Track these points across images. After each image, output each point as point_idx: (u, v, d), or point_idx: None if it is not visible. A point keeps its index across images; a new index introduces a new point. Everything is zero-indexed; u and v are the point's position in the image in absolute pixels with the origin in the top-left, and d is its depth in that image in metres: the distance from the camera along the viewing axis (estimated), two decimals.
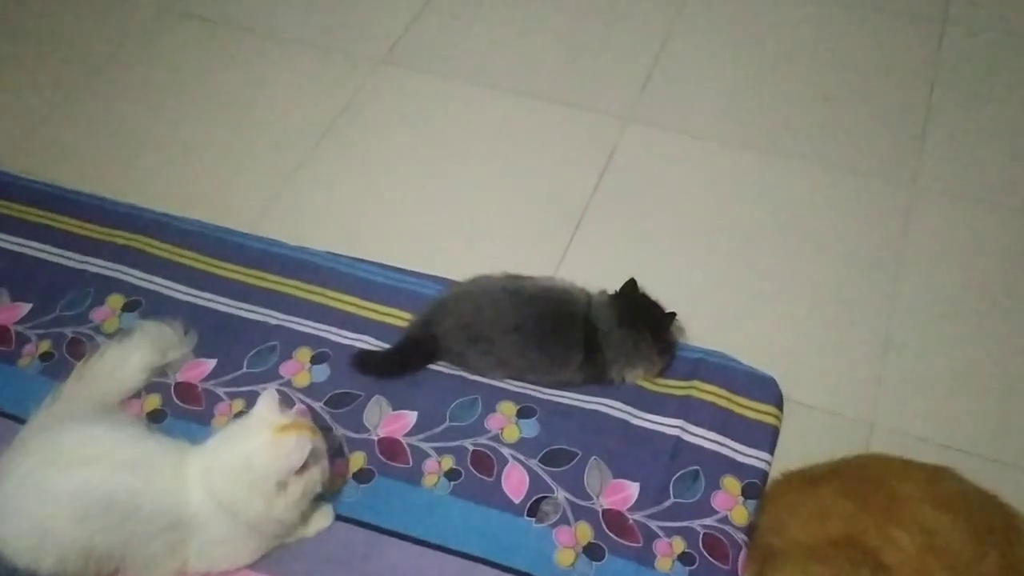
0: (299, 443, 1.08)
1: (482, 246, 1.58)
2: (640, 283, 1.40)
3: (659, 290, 1.41)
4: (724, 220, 1.63)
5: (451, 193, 1.67)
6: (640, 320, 1.35)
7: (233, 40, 1.93)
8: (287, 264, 1.52)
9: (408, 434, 1.32)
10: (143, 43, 1.92)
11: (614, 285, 1.40)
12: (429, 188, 1.68)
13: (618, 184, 1.68)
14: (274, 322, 1.44)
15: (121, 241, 1.54)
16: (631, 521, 1.24)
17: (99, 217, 1.58)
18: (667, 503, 1.26)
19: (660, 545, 1.22)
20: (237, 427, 1.13)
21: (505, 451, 1.30)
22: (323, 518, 1.22)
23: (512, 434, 1.32)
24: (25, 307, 1.45)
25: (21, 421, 1.25)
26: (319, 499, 1.21)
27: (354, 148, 1.74)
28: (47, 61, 1.88)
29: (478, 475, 1.28)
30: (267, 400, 1.12)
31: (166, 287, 1.48)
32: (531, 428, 1.33)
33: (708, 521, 1.24)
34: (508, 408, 1.35)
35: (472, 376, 1.38)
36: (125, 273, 1.50)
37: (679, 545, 1.22)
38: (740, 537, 1.23)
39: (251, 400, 1.24)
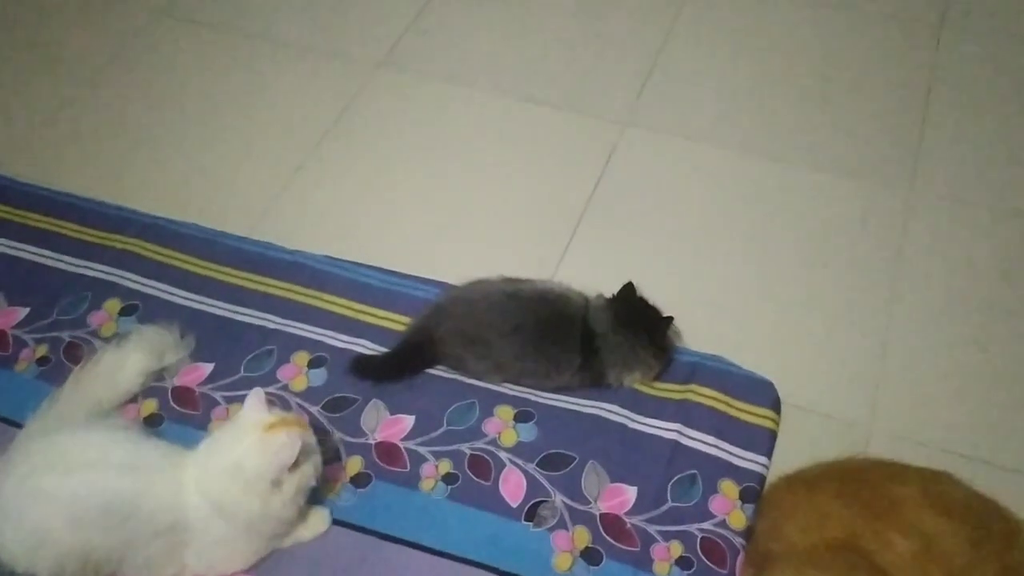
0: (289, 440, 1.08)
1: (480, 249, 1.58)
2: (638, 286, 1.40)
3: (656, 293, 1.41)
4: (721, 224, 1.63)
5: (449, 196, 1.67)
6: (637, 324, 1.36)
7: (230, 44, 1.93)
8: (285, 268, 1.52)
9: (405, 438, 1.32)
10: (141, 48, 1.92)
11: (612, 288, 1.40)
12: (427, 191, 1.68)
13: (616, 188, 1.68)
14: (271, 326, 1.44)
15: (118, 245, 1.54)
16: (629, 525, 1.24)
17: (97, 221, 1.58)
18: (665, 507, 1.26)
19: (658, 549, 1.22)
20: (227, 430, 1.13)
21: (503, 455, 1.30)
22: (320, 522, 1.22)
23: (510, 438, 1.32)
24: (22, 311, 1.45)
25: (18, 426, 1.25)
26: (316, 503, 1.21)
27: (352, 152, 1.74)
28: (45, 65, 1.88)
29: (476, 479, 1.28)
30: (254, 400, 1.12)
31: (163, 291, 1.48)
32: (529, 432, 1.33)
33: (706, 525, 1.24)
34: (506, 412, 1.35)
35: (470, 380, 1.38)
36: (122, 277, 1.50)
37: (677, 549, 1.22)
38: (738, 541, 1.23)
39: None
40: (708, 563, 1.21)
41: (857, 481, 1.19)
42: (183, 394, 1.36)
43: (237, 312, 1.46)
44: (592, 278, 1.44)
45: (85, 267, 1.51)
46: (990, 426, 1.37)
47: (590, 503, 1.26)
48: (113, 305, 1.46)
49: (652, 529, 1.24)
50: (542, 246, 1.59)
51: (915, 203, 1.66)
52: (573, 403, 1.36)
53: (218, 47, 1.92)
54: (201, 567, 1.16)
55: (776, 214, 1.65)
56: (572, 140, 1.76)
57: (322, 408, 1.35)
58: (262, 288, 1.49)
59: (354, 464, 1.29)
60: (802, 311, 1.51)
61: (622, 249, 1.59)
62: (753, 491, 1.27)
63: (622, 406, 1.36)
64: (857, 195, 1.67)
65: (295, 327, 1.44)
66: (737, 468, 1.30)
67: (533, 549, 1.22)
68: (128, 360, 1.34)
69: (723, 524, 1.24)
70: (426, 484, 1.28)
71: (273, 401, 1.32)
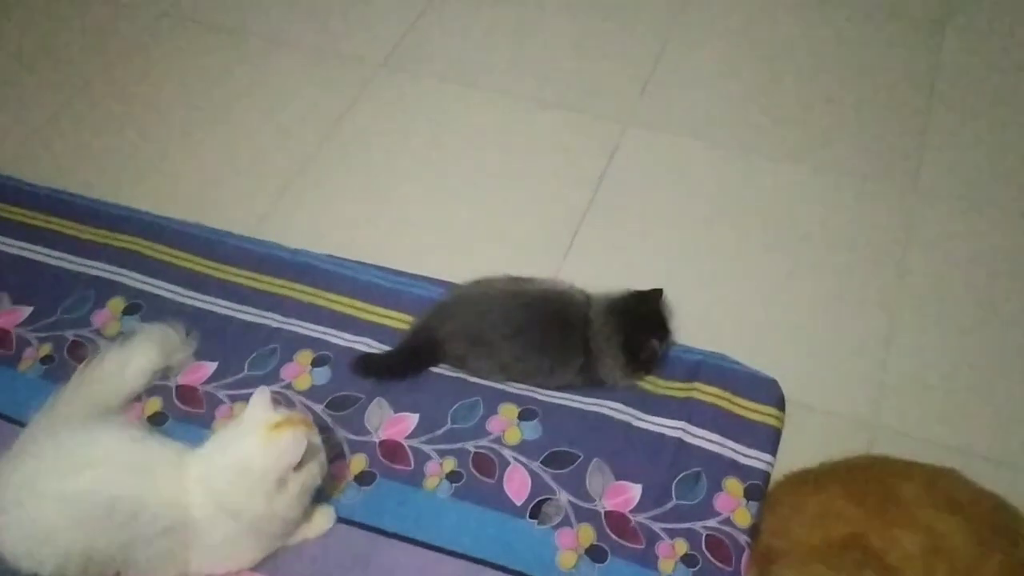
0: (294, 439, 1.08)
1: (483, 249, 1.58)
2: (642, 286, 1.39)
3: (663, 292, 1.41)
4: (725, 223, 1.63)
5: (452, 196, 1.67)
6: (624, 315, 1.35)
7: (233, 45, 1.93)
8: (288, 267, 1.52)
9: (409, 436, 1.32)
10: (143, 48, 1.92)
11: (615, 287, 1.40)
12: (430, 191, 1.68)
13: (618, 187, 1.68)
14: (275, 325, 1.44)
15: (122, 244, 1.54)
16: (633, 523, 1.24)
17: (100, 221, 1.58)
18: (669, 505, 1.26)
19: (662, 547, 1.22)
20: (231, 429, 1.13)
21: (507, 453, 1.30)
22: (324, 520, 1.22)
23: (514, 436, 1.32)
24: (26, 310, 1.45)
25: (21, 425, 1.24)
26: (320, 500, 1.21)
27: (355, 152, 1.74)
28: (48, 65, 1.88)
29: (480, 477, 1.28)
30: (259, 399, 1.12)
31: (167, 290, 1.48)
32: (533, 430, 1.33)
33: (710, 523, 1.24)
34: (510, 410, 1.35)
35: (473, 378, 1.38)
36: (126, 276, 1.50)
37: (681, 547, 1.22)
38: (743, 539, 1.22)
39: None
40: (713, 561, 1.21)
41: (863, 478, 1.19)
42: (187, 393, 1.36)
43: (240, 311, 1.46)
44: (595, 277, 1.44)
45: (88, 266, 1.51)
46: (995, 424, 1.37)
47: (594, 501, 1.26)
48: (116, 304, 1.46)
49: (657, 527, 1.24)
50: (545, 245, 1.59)
51: (919, 201, 1.66)
52: (577, 401, 1.36)
53: (221, 48, 1.92)
54: (206, 566, 1.15)
55: (779, 213, 1.64)
56: (575, 139, 1.76)
57: (326, 407, 1.35)
58: (265, 287, 1.49)
59: (358, 462, 1.29)
60: (806, 309, 1.51)
61: (625, 248, 1.59)
62: (758, 489, 1.27)
63: (626, 404, 1.35)
64: (861, 194, 1.67)
65: (298, 326, 1.44)
66: (741, 466, 1.29)
67: (538, 547, 1.21)
68: (132, 359, 1.34)
69: (728, 522, 1.24)
70: (430, 482, 1.27)
71: (277, 400, 1.31)
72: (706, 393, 1.37)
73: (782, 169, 1.71)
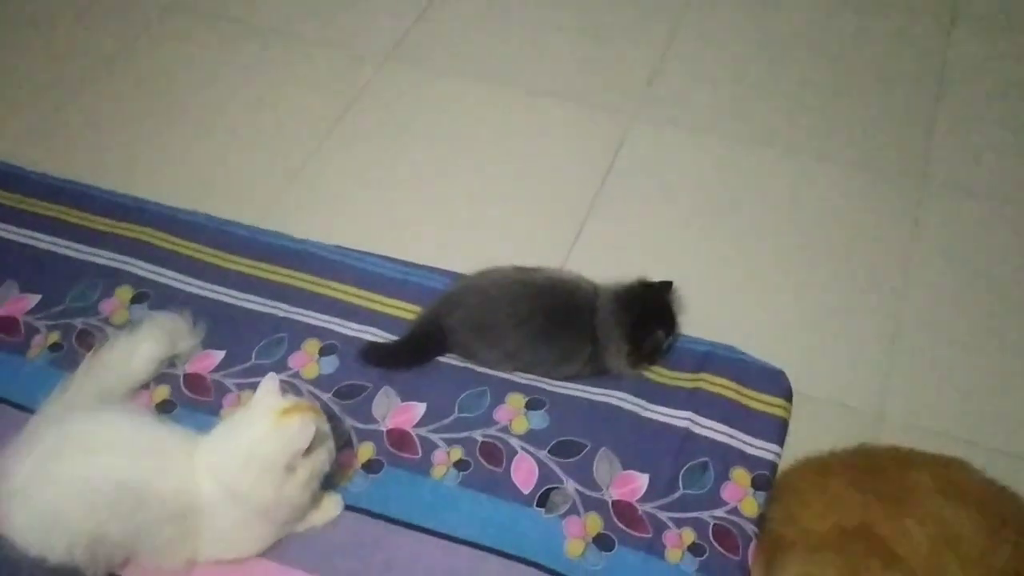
0: (303, 425, 1.08)
1: (490, 240, 1.58)
2: (652, 277, 1.39)
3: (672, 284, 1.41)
4: (732, 215, 1.63)
5: (459, 187, 1.67)
6: (630, 305, 1.35)
7: (240, 36, 1.93)
8: (295, 257, 1.52)
9: (417, 425, 1.32)
10: (151, 39, 1.93)
11: (621, 277, 1.40)
12: (437, 182, 1.68)
13: (625, 178, 1.68)
14: (282, 314, 1.44)
15: (129, 234, 1.54)
16: (640, 512, 1.24)
17: (108, 210, 1.58)
18: (676, 494, 1.26)
19: (670, 536, 1.22)
20: (240, 415, 1.13)
21: (514, 442, 1.30)
22: (332, 507, 1.22)
23: (521, 425, 1.32)
24: (34, 298, 1.45)
25: (30, 412, 1.25)
26: (328, 488, 1.21)
27: (361, 143, 1.74)
28: (56, 56, 1.89)
29: (487, 466, 1.28)
30: (268, 385, 1.12)
31: (174, 279, 1.48)
32: (540, 420, 1.33)
33: (718, 512, 1.24)
34: (517, 400, 1.35)
35: (481, 368, 1.38)
36: (133, 265, 1.50)
37: (689, 536, 1.22)
38: (750, 528, 1.22)
39: None
40: (720, 550, 1.21)
41: (871, 468, 1.19)
42: (195, 381, 1.36)
43: (248, 300, 1.46)
44: (601, 268, 1.44)
45: (96, 255, 1.51)
46: (1003, 415, 1.37)
47: (602, 490, 1.26)
48: (124, 293, 1.46)
49: (664, 516, 1.24)
50: (552, 237, 1.59)
51: (926, 194, 1.66)
52: (584, 391, 1.36)
53: (227, 39, 1.92)
54: (214, 552, 1.15)
55: (787, 205, 1.64)
56: (581, 132, 1.76)
57: (333, 395, 1.35)
58: (272, 277, 1.50)
59: (366, 450, 1.29)
60: (813, 301, 1.51)
61: (632, 239, 1.59)
62: (765, 479, 1.27)
63: (634, 394, 1.35)
64: (868, 187, 1.67)
65: (306, 315, 1.44)
66: (749, 456, 1.29)
67: (545, 535, 1.21)
68: (140, 347, 1.34)
69: (735, 511, 1.24)
70: (438, 471, 1.27)
71: (285, 388, 1.31)
72: (714, 384, 1.37)
73: (789, 162, 1.71)
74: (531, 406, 1.34)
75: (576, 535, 1.22)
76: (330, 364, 1.39)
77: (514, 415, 1.33)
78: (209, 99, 1.81)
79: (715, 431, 1.32)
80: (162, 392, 1.35)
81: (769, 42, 1.93)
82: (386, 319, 1.44)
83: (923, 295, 1.51)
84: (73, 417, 1.17)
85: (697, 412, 1.33)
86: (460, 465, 1.28)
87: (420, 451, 1.29)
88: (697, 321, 1.44)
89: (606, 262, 1.51)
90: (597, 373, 1.37)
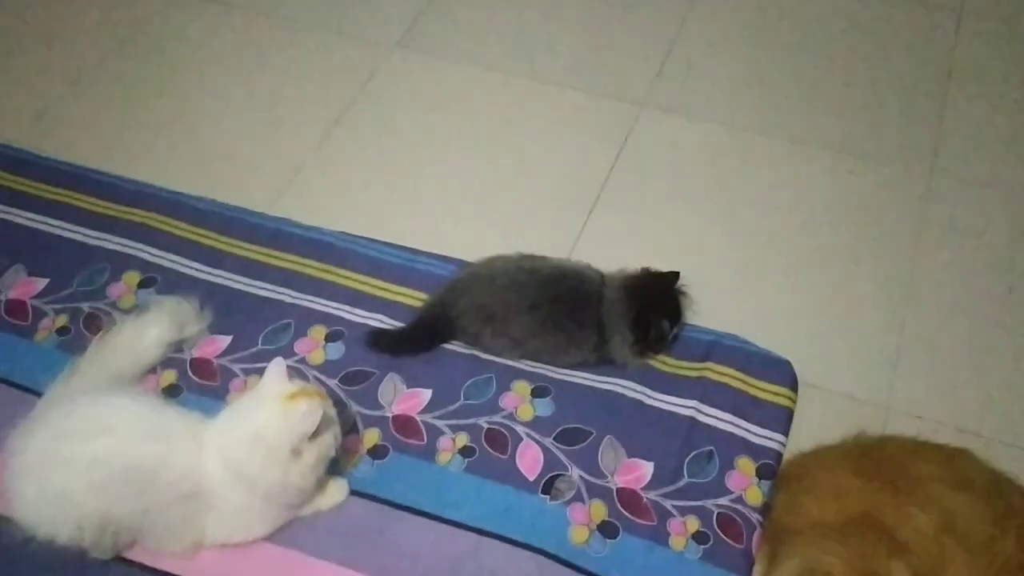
0: (309, 409, 1.08)
1: (496, 228, 1.58)
2: (656, 266, 1.39)
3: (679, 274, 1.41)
4: (739, 204, 1.63)
5: (466, 175, 1.67)
6: (636, 294, 1.35)
7: (249, 23, 1.93)
8: (302, 244, 1.52)
9: (422, 412, 1.32)
10: (160, 25, 1.92)
11: (627, 267, 1.40)
12: (444, 170, 1.68)
13: (633, 167, 1.68)
14: (289, 300, 1.45)
15: (137, 219, 1.55)
16: (645, 500, 1.24)
17: (116, 195, 1.58)
18: (681, 483, 1.26)
19: (674, 524, 1.22)
20: (247, 399, 1.13)
21: (520, 429, 1.30)
22: (338, 492, 1.22)
23: (526, 413, 1.32)
24: (42, 282, 1.46)
25: (37, 395, 1.25)
26: (334, 473, 1.21)
27: (369, 130, 1.74)
28: (64, 41, 1.89)
29: (492, 453, 1.28)
30: (275, 369, 1.12)
31: (182, 264, 1.49)
32: (545, 407, 1.33)
33: (722, 501, 1.24)
34: (523, 387, 1.35)
35: (486, 355, 1.38)
36: (141, 250, 1.50)
37: (693, 524, 1.22)
38: (754, 517, 1.23)
39: None
40: (724, 538, 1.21)
41: (876, 457, 1.19)
42: (202, 365, 1.37)
43: (255, 286, 1.47)
44: (608, 257, 1.44)
45: (104, 239, 1.51)
46: (1009, 406, 1.36)
47: (607, 477, 1.26)
48: (132, 277, 1.47)
49: (668, 504, 1.24)
50: (559, 225, 1.59)
51: (935, 184, 1.65)
52: (590, 379, 1.36)
53: (237, 26, 1.92)
54: (220, 535, 1.16)
55: (795, 195, 1.64)
56: (590, 121, 1.76)
57: (339, 381, 1.35)
58: (279, 263, 1.50)
59: (371, 436, 1.30)
60: (820, 290, 1.51)
61: (639, 228, 1.59)
62: (770, 468, 1.27)
63: (639, 383, 1.36)
64: (877, 177, 1.67)
65: (312, 301, 1.45)
66: (754, 445, 1.29)
67: (550, 522, 1.22)
68: (148, 331, 1.35)
69: (740, 500, 1.24)
70: (443, 457, 1.28)
71: (292, 374, 1.32)
72: (719, 373, 1.37)
73: (798, 152, 1.71)
74: (537, 393, 1.34)
75: (580, 522, 1.22)
76: (336, 350, 1.39)
77: (520, 402, 1.33)
78: (218, 85, 1.81)
79: (720, 420, 1.32)
80: (169, 376, 1.35)
81: (778, 33, 1.92)
82: (393, 306, 1.44)
83: (930, 285, 1.51)
84: (81, 400, 1.18)
85: (702, 401, 1.34)
86: (465, 451, 1.28)
87: (425, 437, 1.30)
88: (703, 311, 1.44)
89: (613, 251, 1.50)
90: (603, 361, 1.37)
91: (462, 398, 1.34)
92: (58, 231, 1.53)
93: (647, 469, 1.27)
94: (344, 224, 1.56)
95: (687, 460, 1.28)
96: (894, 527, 1.08)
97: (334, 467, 1.20)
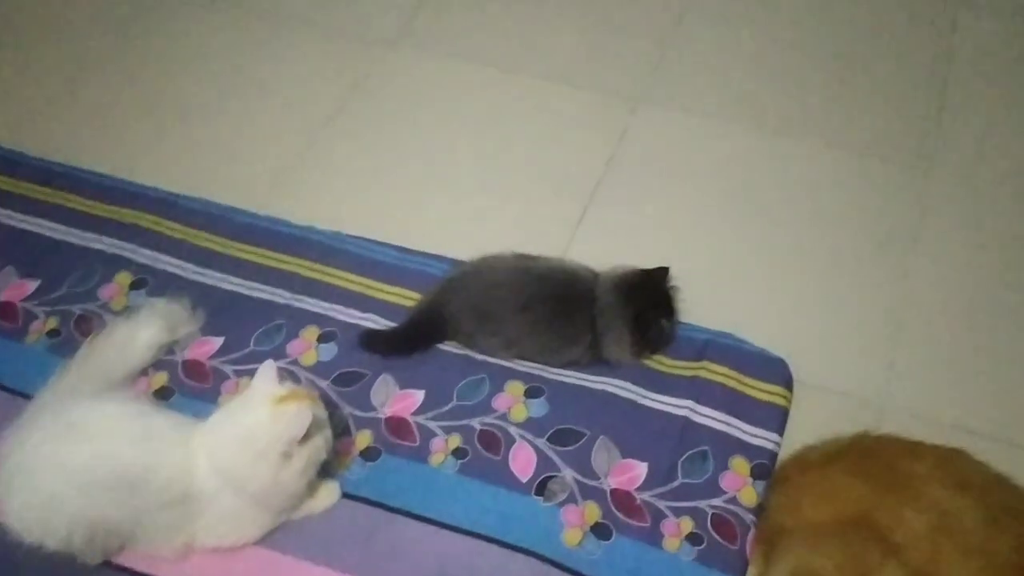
0: (299, 412, 1.08)
1: (491, 226, 1.57)
2: (654, 264, 1.38)
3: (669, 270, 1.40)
4: (735, 201, 1.62)
5: (460, 173, 1.66)
6: (631, 294, 1.34)
7: (241, 21, 1.92)
8: (294, 243, 1.51)
9: (415, 413, 1.32)
10: (152, 24, 1.91)
11: (622, 264, 1.39)
12: (438, 168, 1.67)
13: (629, 164, 1.67)
14: (281, 301, 1.44)
15: (128, 219, 1.54)
16: (639, 501, 1.23)
17: (107, 196, 1.57)
18: (675, 483, 1.25)
19: (668, 525, 1.21)
20: (238, 401, 1.13)
21: (513, 430, 1.30)
22: (330, 495, 1.22)
23: (520, 413, 1.31)
24: (32, 284, 1.45)
25: (28, 397, 1.24)
26: (326, 476, 1.21)
27: (363, 128, 1.73)
28: (54, 41, 1.87)
29: (485, 454, 1.27)
30: (265, 372, 1.12)
31: (173, 265, 1.48)
32: (539, 408, 1.32)
33: (716, 501, 1.23)
34: (516, 388, 1.34)
35: (480, 356, 1.37)
36: (133, 251, 1.49)
37: (687, 525, 1.21)
38: (749, 517, 1.22)
39: None
40: (719, 539, 1.20)
41: (871, 457, 1.18)
42: (193, 367, 1.36)
43: (247, 287, 1.46)
44: (604, 255, 1.43)
45: (95, 240, 1.51)
46: (1004, 404, 1.36)
47: (600, 478, 1.25)
48: (123, 278, 1.46)
49: (662, 505, 1.23)
50: (555, 222, 1.58)
51: (931, 180, 1.64)
52: (583, 379, 1.36)
53: (228, 24, 1.91)
54: (211, 539, 1.15)
55: (790, 192, 1.63)
56: (585, 117, 1.75)
57: (332, 383, 1.35)
58: (272, 263, 1.49)
59: (364, 438, 1.29)
60: (816, 289, 1.50)
61: (634, 226, 1.58)
62: (764, 468, 1.26)
63: (633, 382, 1.35)
64: (873, 173, 1.66)
65: (305, 302, 1.44)
66: (748, 445, 1.29)
67: (543, 524, 1.21)
68: (139, 333, 1.34)
69: (734, 500, 1.23)
70: (436, 458, 1.27)
71: (284, 376, 1.31)
72: (714, 372, 1.36)
73: (794, 148, 1.70)
74: (530, 394, 1.34)
75: (574, 524, 1.21)
76: (329, 351, 1.38)
77: (513, 403, 1.33)
78: (210, 84, 1.80)
79: (715, 420, 1.31)
80: (160, 379, 1.34)
81: (775, 27, 1.91)
82: (386, 306, 1.44)
83: (927, 282, 1.50)
84: (70, 404, 1.17)
85: (697, 401, 1.33)
86: (458, 453, 1.27)
87: (418, 439, 1.29)
88: (699, 309, 1.43)
89: (609, 248, 1.50)
90: (597, 361, 1.37)
91: (455, 399, 1.33)
92: (49, 232, 1.52)
93: (641, 470, 1.26)
94: (338, 223, 1.55)
95: (681, 460, 1.27)
96: (889, 528, 1.07)
97: (326, 469, 1.20)
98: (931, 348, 1.42)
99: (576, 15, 1.93)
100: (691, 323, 1.42)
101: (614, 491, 1.24)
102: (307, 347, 1.39)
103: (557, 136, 1.72)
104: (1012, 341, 1.43)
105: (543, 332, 1.35)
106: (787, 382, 1.36)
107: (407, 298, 1.44)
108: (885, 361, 1.40)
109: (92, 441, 1.10)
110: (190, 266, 1.48)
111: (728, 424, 1.31)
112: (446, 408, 1.32)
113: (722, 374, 1.36)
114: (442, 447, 1.28)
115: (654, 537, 1.20)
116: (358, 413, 1.32)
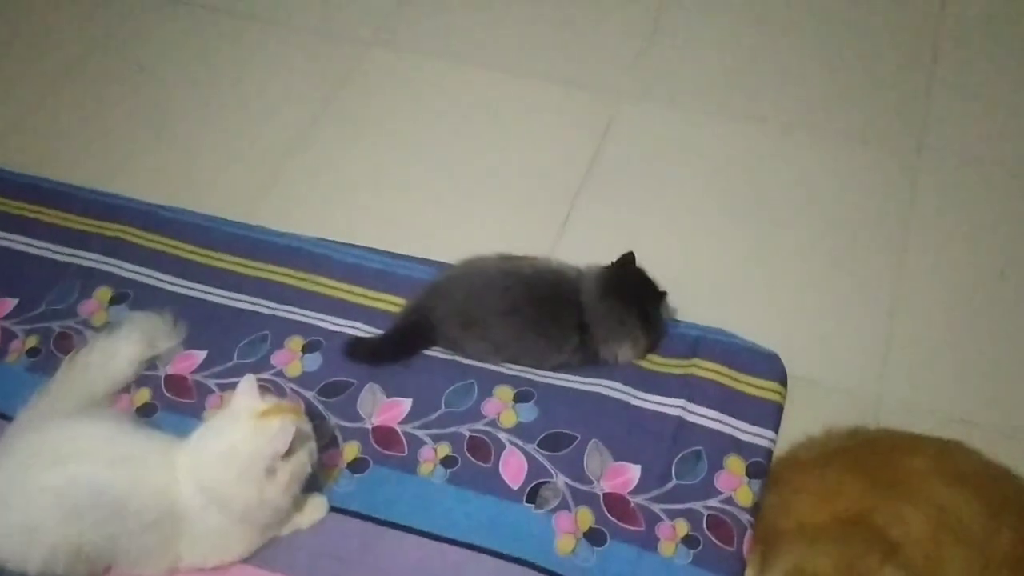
0: (282, 427, 1.06)
1: (476, 227, 1.55)
2: (638, 259, 1.36)
3: (657, 267, 1.38)
4: (724, 194, 1.59)
5: (443, 174, 1.63)
6: (624, 293, 1.32)
7: (220, 25, 1.89)
8: (277, 252, 1.49)
9: (403, 422, 1.29)
10: (130, 30, 1.88)
11: (603, 261, 1.37)
12: (421, 170, 1.64)
13: (614, 160, 1.64)
14: (265, 311, 1.42)
15: (108, 233, 1.51)
16: (633, 505, 1.21)
17: (86, 209, 1.55)
18: (669, 485, 1.23)
19: (663, 528, 1.19)
20: (219, 418, 1.11)
21: (503, 436, 1.27)
22: (317, 510, 1.20)
23: (509, 419, 1.29)
24: (11, 302, 1.42)
25: (8, 418, 1.23)
26: (313, 489, 1.19)
27: (344, 132, 1.70)
28: (31, 51, 1.85)
29: (475, 462, 1.25)
30: (246, 386, 1.10)
31: (154, 278, 1.46)
32: (529, 412, 1.30)
33: (712, 502, 1.21)
34: (505, 393, 1.32)
35: (467, 361, 1.35)
36: (113, 265, 1.47)
37: (682, 528, 1.19)
38: (745, 518, 1.20)
39: None
40: (715, 541, 1.18)
41: (868, 454, 1.16)
42: (176, 382, 1.34)
43: (230, 298, 1.43)
44: (591, 253, 1.40)
45: (74, 256, 1.48)
46: (1001, 393, 1.34)
47: (593, 483, 1.23)
48: (104, 294, 1.43)
49: (657, 508, 1.21)
50: (540, 221, 1.55)
51: (922, 167, 1.62)
52: (574, 381, 1.33)
53: (207, 28, 1.88)
54: (196, 558, 1.13)
55: (779, 183, 1.61)
56: (569, 114, 1.72)
57: (318, 393, 1.32)
58: (254, 273, 1.47)
59: (351, 449, 1.27)
60: (808, 282, 1.47)
61: (621, 223, 1.56)
62: (760, 466, 1.24)
63: (624, 383, 1.32)
64: (863, 161, 1.63)
65: (289, 311, 1.42)
66: (743, 443, 1.26)
67: (535, 532, 1.19)
68: (120, 349, 1.32)
69: (730, 501, 1.21)
70: (425, 468, 1.25)
71: (268, 388, 1.29)
72: (706, 369, 1.34)
73: (782, 138, 1.67)
74: (519, 398, 1.31)
75: (567, 531, 1.19)
76: (314, 361, 1.36)
77: (502, 408, 1.30)
78: (188, 92, 1.77)
79: (708, 418, 1.29)
80: (143, 395, 1.32)
81: (759, 18, 1.88)
82: (371, 313, 1.41)
83: (920, 271, 1.48)
84: (49, 425, 1.15)
85: (690, 399, 1.30)
86: (447, 462, 1.25)
87: (407, 448, 1.27)
88: (689, 305, 1.41)
89: (595, 247, 1.47)
90: (586, 362, 1.34)
91: (443, 406, 1.31)
92: (26, 248, 1.50)
93: (634, 473, 1.24)
94: (321, 229, 1.53)
95: (675, 461, 1.25)
96: (887, 527, 1.05)
97: (313, 483, 1.18)
98: (926, 336, 1.40)
99: (558, 11, 1.90)
100: (682, 320, 1.40)
101: (607, 495, 1.22)
102: (292, 358, 1.36)
103: (541, 134, 1.70)
104: (1007, 327, 1.41)
105: (530, 335, 1.33)
106: (781, 377, 1.34)
107: (393, 304, 1.42)
108: (880, 352, 1.38)
109: (72, 463, 1.08)
110: (171, 279, 1.46)
111: (722, 422, 1.29)
112: (434, 416, 1.30)
113: (714, 371, 1.33)
114: (431, 456, 1.26)
115: (649, 541, 1.18)
116: (345, 424, 1.29)
